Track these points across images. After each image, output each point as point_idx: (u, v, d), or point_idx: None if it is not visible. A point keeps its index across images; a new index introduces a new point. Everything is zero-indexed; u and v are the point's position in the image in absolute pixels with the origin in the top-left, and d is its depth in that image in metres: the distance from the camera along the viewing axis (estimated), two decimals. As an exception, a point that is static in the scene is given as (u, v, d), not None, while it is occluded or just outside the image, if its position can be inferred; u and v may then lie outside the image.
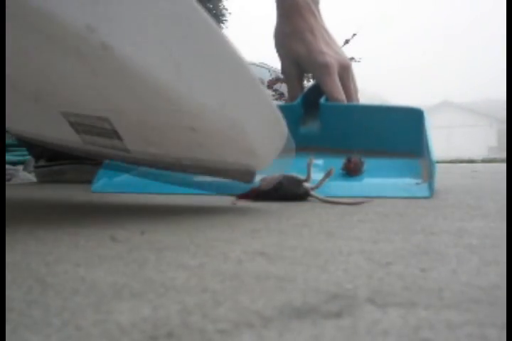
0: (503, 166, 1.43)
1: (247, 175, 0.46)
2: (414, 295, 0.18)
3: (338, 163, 0.59)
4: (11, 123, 0.53)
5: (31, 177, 1.22)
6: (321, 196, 0.49)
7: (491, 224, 0.34)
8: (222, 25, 3.33)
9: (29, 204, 0.59)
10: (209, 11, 3.12)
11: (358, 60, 2.31)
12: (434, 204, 0.46)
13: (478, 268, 0.22)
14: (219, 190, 0.52)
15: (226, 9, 3.27)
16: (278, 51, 0.75)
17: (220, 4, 3.24)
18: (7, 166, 1.24)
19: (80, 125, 0.45)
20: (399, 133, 0.66)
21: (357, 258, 0.24)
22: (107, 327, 0.15)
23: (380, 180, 0.59)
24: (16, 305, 0.18)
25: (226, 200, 0.51)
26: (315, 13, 0.74)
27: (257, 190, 0.50)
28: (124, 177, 0.64)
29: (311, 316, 0.16)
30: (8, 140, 1.62)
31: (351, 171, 0.58)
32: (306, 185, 0.50)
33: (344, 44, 2.29)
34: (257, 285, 0.20)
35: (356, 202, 0.47)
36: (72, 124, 0.46)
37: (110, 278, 0.21)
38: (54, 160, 1.04)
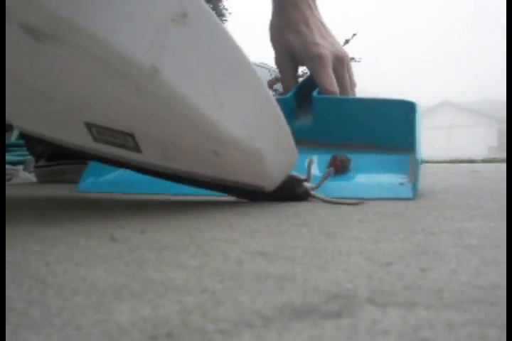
0: (503, 166, 1.44)
1: (257, 195, 0.48)
2: (414, 295, 0.18)
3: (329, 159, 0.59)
4: (23, 122, 0.54)
5: (31, 177, 1.22)
6: (321, 196, 0.49)
7: (491, 224, 0.34)
8: None
9: (29, 204, 0.59)
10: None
11: (358, 60, 2.31)
12: (434, 204, 0.46)
13: (478, 268, 0.22)
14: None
15: (226, 9, 3.27)
16: (273, 43, 0.74)
17: (220, 4, 3.24)
18: (7, 166, 1.24)
19: (100, 134, 0.46)
20: (392, 127, 0.64)
21: (357, 258, 0.24)
22: (107, 327, 0.15)
23: (365, 180, 0.58)
24: (16, 305, 0.18)
25: (226, 200, 0.51)
26: (311, 6, 0.73)
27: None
28: (111, 177, 0.64)
29: (311, 316, 0.16)
30: (8, 140, 1.62)
31: (337, 169, 0.57)
32: (306, 184, 0.50)
33: (344, 44, 2.29)
34: (257, 285, 0.20)
35: (357, 202, 0.47)
36: (92, 134, 0.47)
37: (110, 278, 0.21)
38: (54, 160, 1.04)
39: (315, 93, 0.69)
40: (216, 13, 3.23)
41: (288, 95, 0.71)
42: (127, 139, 0.45)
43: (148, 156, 0.47)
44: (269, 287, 0.19)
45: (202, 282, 0.20)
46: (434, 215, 0.39)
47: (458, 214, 0.39)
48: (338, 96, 0.69)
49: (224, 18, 3.30)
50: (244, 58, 0.38)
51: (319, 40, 0.70)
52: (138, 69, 0.34)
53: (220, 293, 0.19)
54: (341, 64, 0.70)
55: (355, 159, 0.58)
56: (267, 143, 0.42)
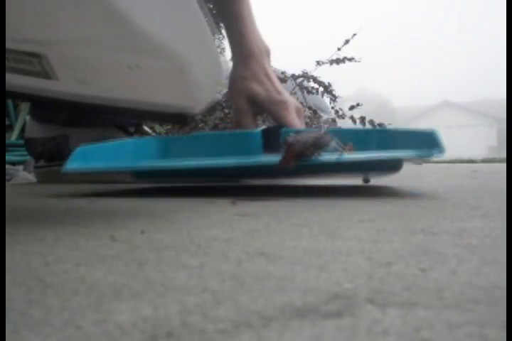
0: (503, 166, 1.43)
1: (182, 118, 0.45)
2: (414, 295, 0.18)
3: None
4: None
5: (31, 177, 1.22)
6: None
7: (491, 224, 0.34)
8: (222, 25, 3.31)
9: (29, 204, 0.59)
10: (209, 11, 3.10)
11: (358, 59, 2.31)
12: (434, 204, 0.46)
13: (478, 268, 0.22)
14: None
15: (226, 9, 3.26)
16: (235, 92, 0.82)
17: (220, 4, 3.23)
18: (7, 166, 1.24)
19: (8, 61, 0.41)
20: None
21: (357, 258, 0.24)
22: (107, 327, 0.15)
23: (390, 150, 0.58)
24: (16, 305, 0.18)
25: (226, 200, 0.51)
26: (269, 61, 0.83)
27: (293, 150, 0.51)
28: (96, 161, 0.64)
29: (311, 316, 0.16)
30: (8, 140, 1.62)
31: (297, 155, 0.53)
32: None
33: (344, 44, 2.29)
34: (257, 285, 0.20)
35: None
36: None
37: (110, 278, 0.21)
38: (54, 160, 1.04)
39: (284, 129, 0.73)
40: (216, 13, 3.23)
41: (256, 130, 0.75)
42: (33, 62, 0.40)
43: (59, 82, 0.42)
44: (269, 287, 0.19)
45: (202, 282, 0.20)
46: (434, 215, 0.39)
47: (458, 214, 0.39)
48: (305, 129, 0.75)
49: (224, 18, 3.29)
50: None
51: (280, 89, 0.81)
52: None
53: (220, 293, 0.19)
54: (299, 112, 0.80)
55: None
56: (190, 49, 0.38)
